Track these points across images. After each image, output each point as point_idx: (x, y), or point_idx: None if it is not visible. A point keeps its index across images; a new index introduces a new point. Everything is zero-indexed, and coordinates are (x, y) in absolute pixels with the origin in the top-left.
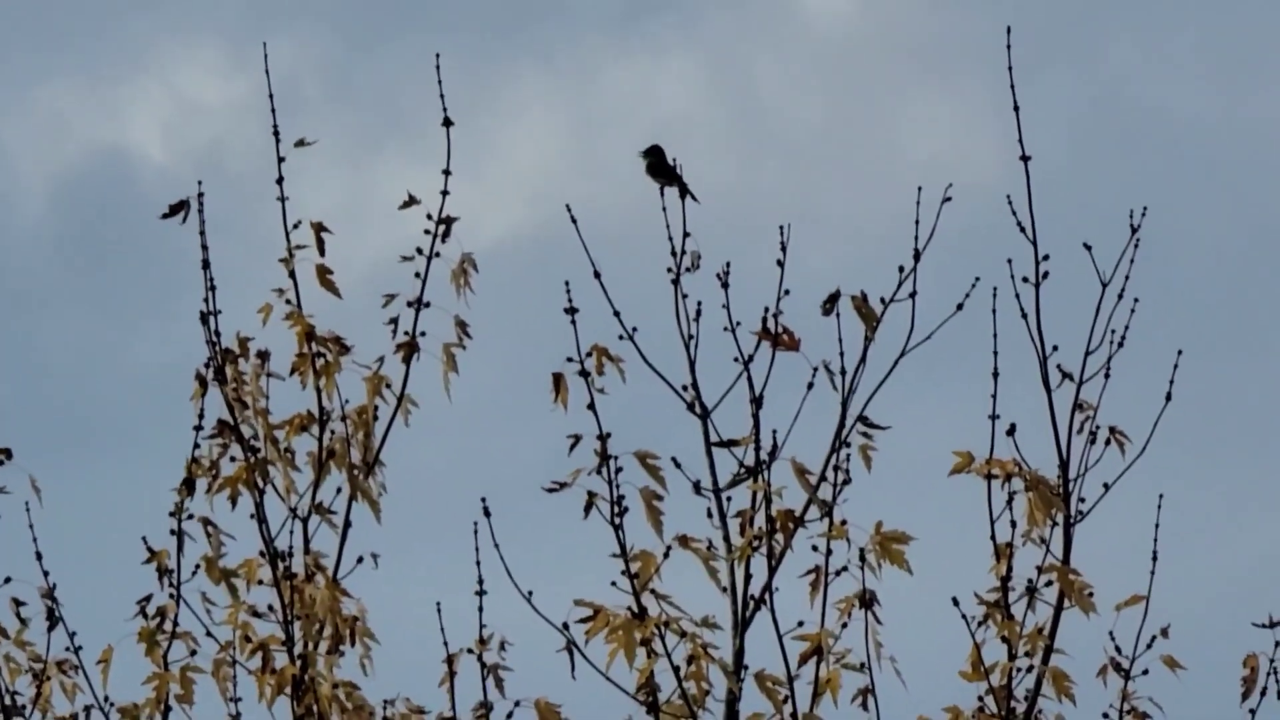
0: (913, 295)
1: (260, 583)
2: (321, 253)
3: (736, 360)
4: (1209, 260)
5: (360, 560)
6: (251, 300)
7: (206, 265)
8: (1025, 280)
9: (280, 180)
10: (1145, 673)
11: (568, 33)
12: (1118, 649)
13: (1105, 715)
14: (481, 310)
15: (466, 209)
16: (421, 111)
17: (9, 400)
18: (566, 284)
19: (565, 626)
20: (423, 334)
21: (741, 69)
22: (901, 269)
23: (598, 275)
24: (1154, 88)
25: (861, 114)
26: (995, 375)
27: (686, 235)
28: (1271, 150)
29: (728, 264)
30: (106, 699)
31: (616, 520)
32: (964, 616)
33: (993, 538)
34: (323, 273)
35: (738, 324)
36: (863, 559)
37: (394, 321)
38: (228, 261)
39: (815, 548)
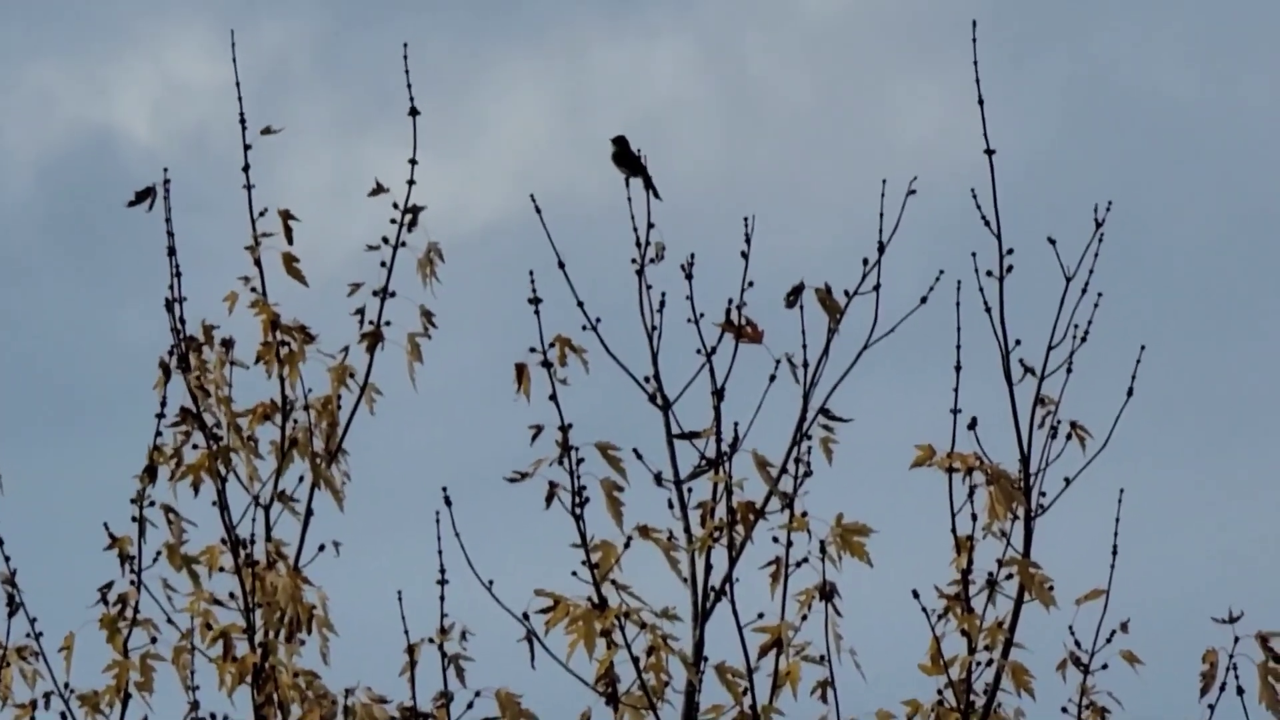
0: (876, 288)
1: (222, 570)
2: (289, 241)
3: (699, 352)
4: (1178, 252)
5: (322, 548)
6: (235, 282)
7: (172, 252)
8: (989, 274)
9: (246, 168)
10: (1105, 667)
11: (559, 12)
12: (1077, 643)
13: (1064, 710)
14: (464, 296)
15: (455, 190)
16: (412, 91)
17: None
18: (531, 274)
19: (525, 617)
20: (388, 323)
21: (733, 50)
22: (865, 261)
23: (562, 266)
24: (1143, 71)
25: (852, 96)
26: (958, 369)
27: (650, 226)
28: (1255, 134)
29: (692, 255)
30: (67, 686)
31: (577, 511)
32: (924, 610)
33: (953, 531)
34: (289, 261)
35: (701, 315)
36: (823, 551)
37: (360, 311)
38: (211, 242)
39: (776, 539)
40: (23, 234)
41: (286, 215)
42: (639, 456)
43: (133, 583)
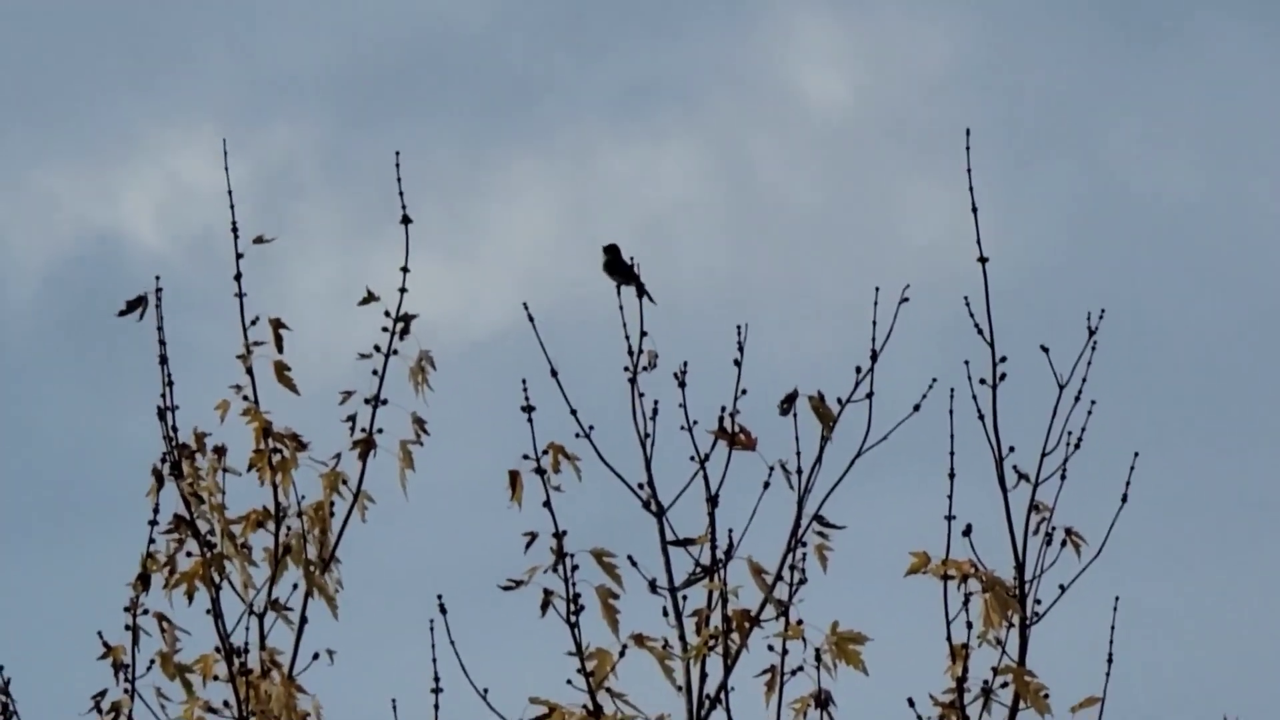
0: (869, 396)
1: (216, 678)
2: (279, 349)
3: (693, 459)
4: (1176, 355)
5: (316, 656)
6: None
7: (164, 360)
8: (982, 381)
9: (238, 277)
10: None
11: (566, 115)
12: None
13: None
14: (468, 401)
15: (460, 294)
16: (417, 195)
17: None
18: (524, 382)
19: None
20: (380, 431)
21: (740, 154)
22: (859, 369)
23: (555, 374)
24: (1149, 173)
25: (859, 200)
26: (952, 476)
27: (644, 334)
28: (1260, 235)
29: (684, 364)
30: None
31: (572, 618)
32: (919, 717)
33: (949, 638)
34: (280, 369)
35: (695, 422)
36: (818, 659)
37: (351, 419)
38: (217, 346)
39: (771, 647)
40: (28, 338)
41: (277, 324)
42: (634, 564)
43: (127, 691)
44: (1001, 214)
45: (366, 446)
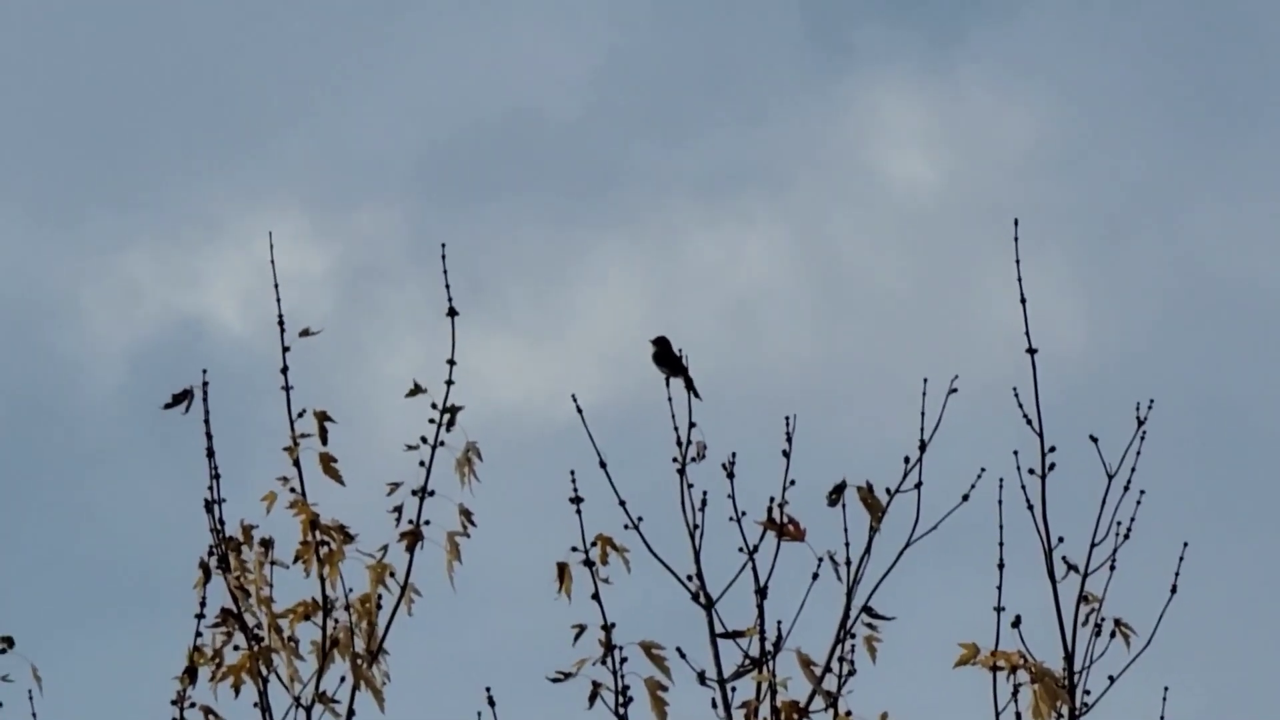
0: (918, 486)
1: None
2: (324, 441)
3: (741, 550)
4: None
5: None
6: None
7: (211, 454)
8: (1031, 471)
9: (285, 370)
10: None
11: (653, 199)
12: None
13: None
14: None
15: (545, 378)
16: (501, 277)
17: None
18: (572, 473)
19: None
20: (427, 522)
21: (826, 237)
22: (907, 460)
23: (603, 465)
24: (1235, 259)
25: (945, 282)
26: (1001, 566)
27: (692, 425)
28: None
29: (733, 454)
30: None
31: (621, 710)
32: None
33: None
34: (326, 461)
35: (743, 514)
36: None
37: (398, 510)
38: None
39: None
40: (111, 424)
41: (323, 416)
42: (682, 655)
43: None
44: (1092, 298)
45: (413, 538)
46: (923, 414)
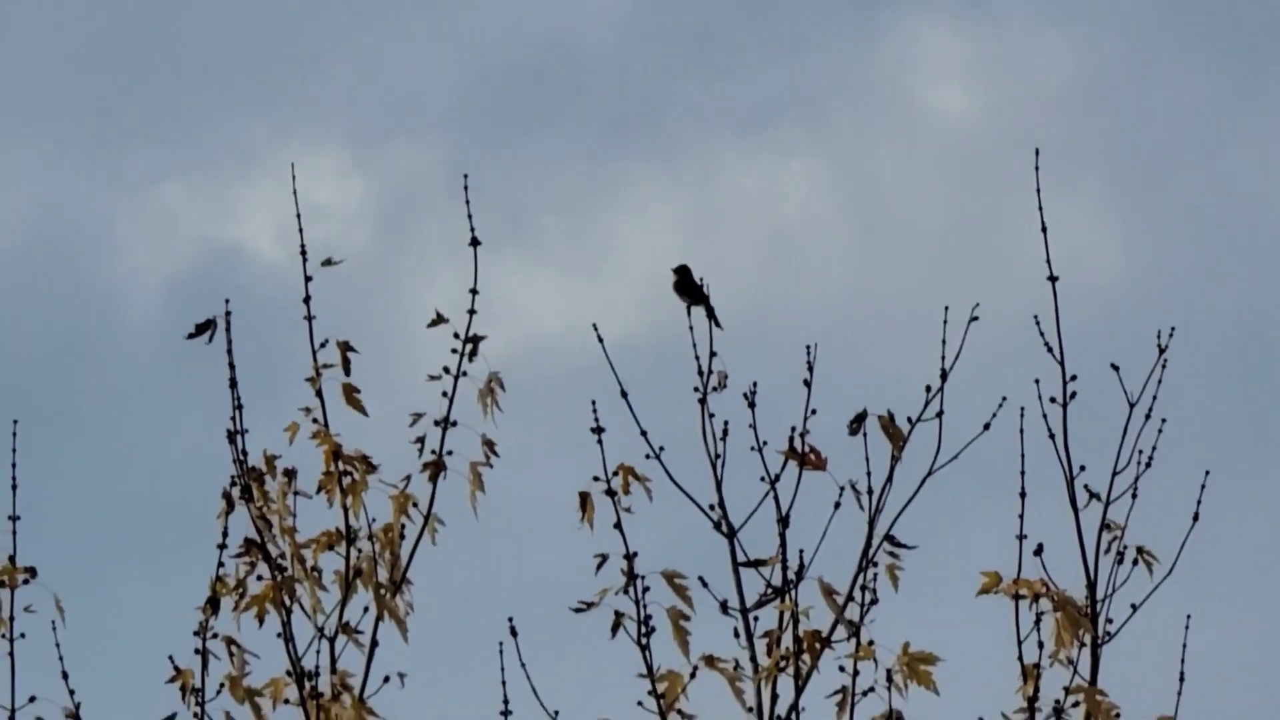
0: (939, 415)
1: (287, 702)
2: (347, 372)
3: (763, 480)
4: (1250, 371)
5: (387, 679)
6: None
7: (234, 384)
8: (1053, 400)
9: (308, 300)
10: None
11: (692, 131)
12: None
13: None
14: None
15: (582, 311)
16: (539, 210)
17: (91, 498)
18: (593, 403)
19: None
20: (450, 453)
21: (865, 169)
22: (929, 389)
23: (625, 395)
24: (1275, 189)
25: (983, 213)
26: (1023, 495)
27: (713, 355)
28: None
29: (754, 384)
30: None
31: (643, 640)
32: None
33: (1020, 658)
34: (349, 391)
35: (765, 444)
36: (889, 679)
37: (421, 440)
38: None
39: (842, 668)
40: (148, 355)
41: (345, 347)
42: (705, 585)
43: (196, 715)
44: (1129, 230)
45: (436, 469)
46: (944, 343)
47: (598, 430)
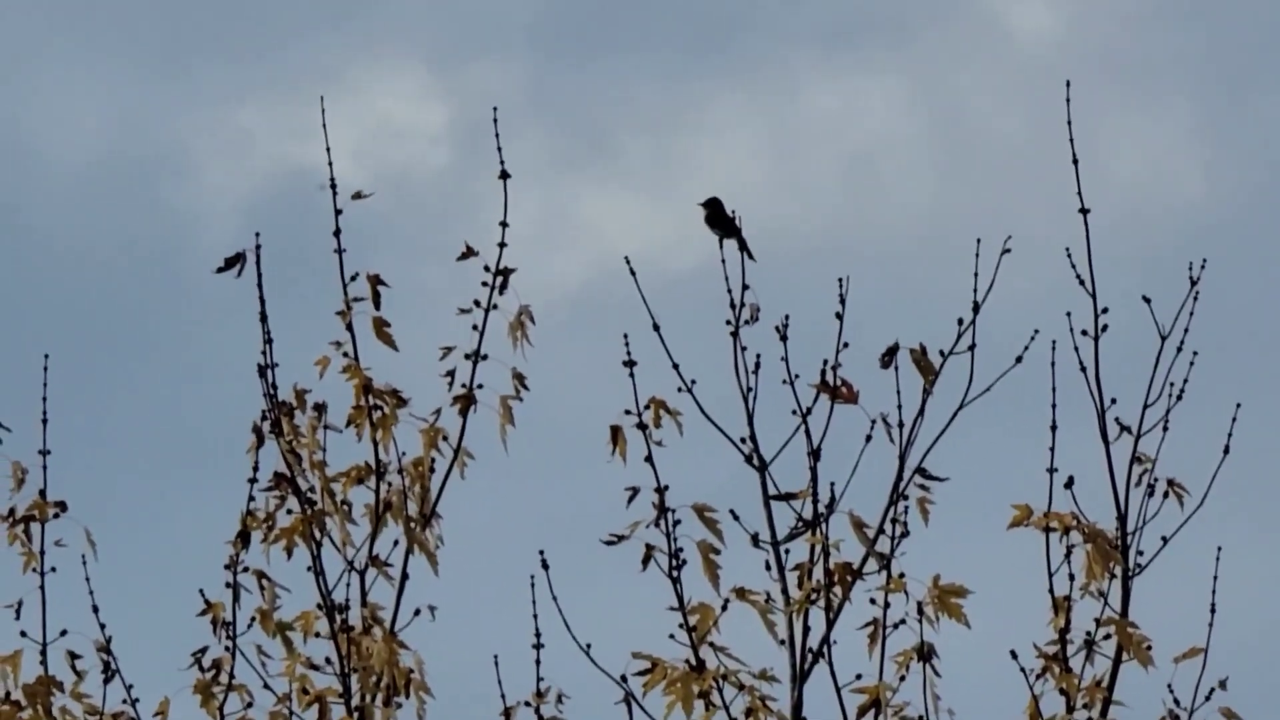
0: (972, 348)
1: (317, 635)
2: (377, 306)
3: (795, 413)
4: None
5: (417, 613)
6: (429, 316)
7: (264, 318)
8: (1084, 333)
9: (337, 232)
10: None
11: (772, 51)
12: (1176, 701)
13: None
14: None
15: (662, 230)
16: (619, 131)
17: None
18: (625, 337)
19: (623, 679)
20: (479, 386)
21: (947, 88)
22: (960, 321)
23: (657, 328)
24: None
25: (1065, 133)
26: (1053, 428)
27: (745, 288)
28: None
29: (786, 317)
30: None
31: (674, 573)
32: (1022, 669)
33: (1051, 591)
34: (379, 325)
35: (796, 376)
36: (920, 612)
37: (450, 374)
38: (409, 279)
39: (873, 601)
40: (224, 279)
41: (375, 280)
42: (736, 518)
43: (227, 648)
44: (1211, 149)
45: (466, 402)
46: (975, 275)
47: (630, 364)
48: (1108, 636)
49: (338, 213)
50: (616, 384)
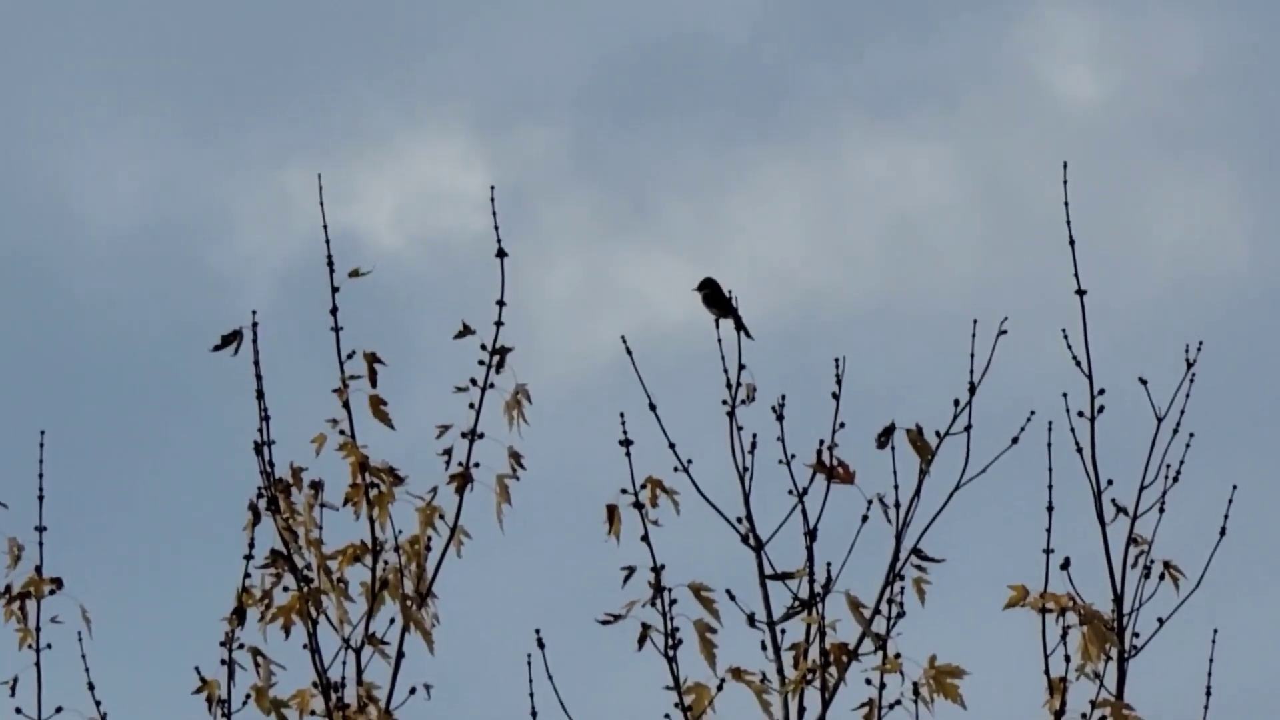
0: (968, 429)
1: (313, 713)
2: (374, 384)
3: (791, 493)
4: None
5: (413, 691)
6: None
7: (260, 395)
8: (1080, 414)
9: (334, 310)
10: None
11: (819, 116)
12: None
13: None
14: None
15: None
16: (664, 195)
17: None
18: (621, 415)
19: None
20: (476, 465)
21: (993, 154)
22: (956, 403)
23: (653, 407)
24: None
25: (1110, 199)
26: (1050, 509)
27: (742, 368)
28: None
29: (783, 397)
30: None
31: (670, 653)
32: None
33: (1046, 672)
34: (376, 403)
35: (793, 456)
36: (916, 693)
37: (447, 452)
38: (444, 344)
39: (869, 681)
40: (263, 339)
41: (372, 358)
42: (732, 598)
43: None
44: (1258, 215)
45: (463, 481)
46: (972, 356)
47: (625, 443)
48: (1103, 718)
49: (334, 290)
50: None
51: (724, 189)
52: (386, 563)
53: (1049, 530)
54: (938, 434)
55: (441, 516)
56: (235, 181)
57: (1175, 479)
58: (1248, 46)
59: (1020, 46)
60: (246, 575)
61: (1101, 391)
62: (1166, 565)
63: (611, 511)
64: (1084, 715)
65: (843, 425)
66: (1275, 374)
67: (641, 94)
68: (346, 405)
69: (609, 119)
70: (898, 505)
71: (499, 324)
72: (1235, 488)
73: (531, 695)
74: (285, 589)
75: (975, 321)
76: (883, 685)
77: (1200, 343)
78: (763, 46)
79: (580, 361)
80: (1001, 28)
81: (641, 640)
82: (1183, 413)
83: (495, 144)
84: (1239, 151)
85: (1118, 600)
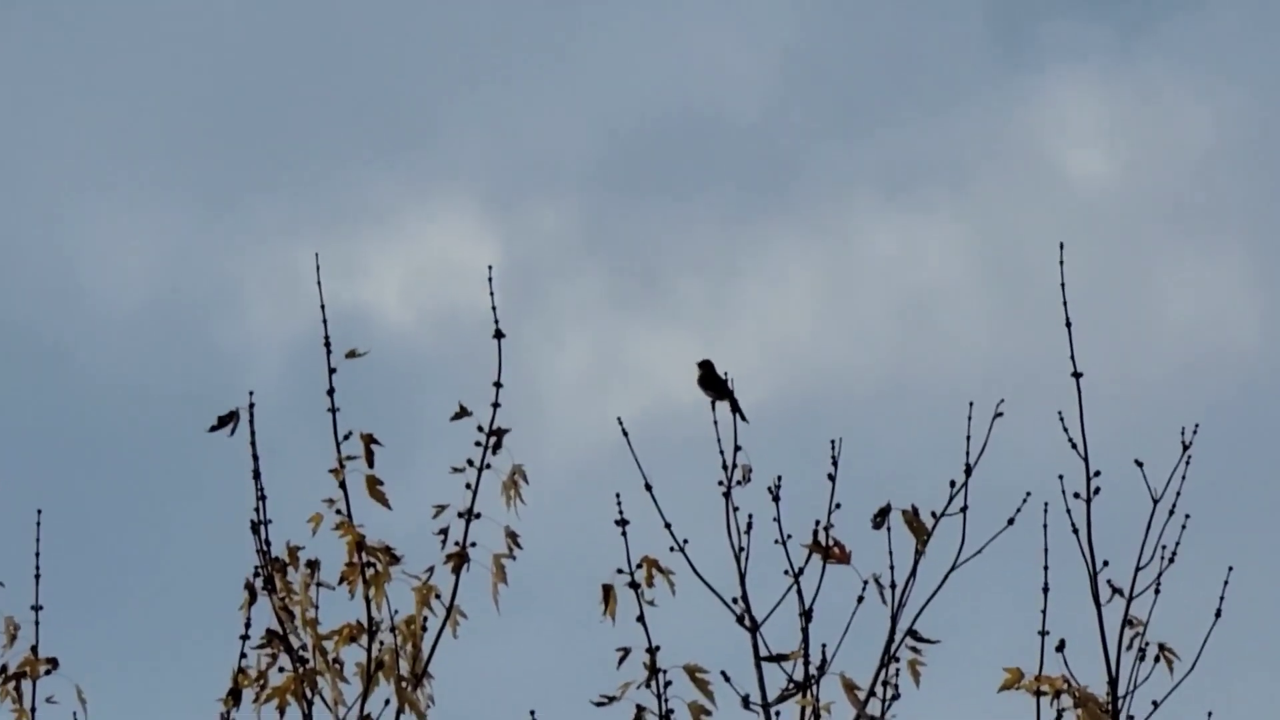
0: (964, 510)
1: None
2: (370, 464)
3: (787, 573)
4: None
5: None
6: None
7: (257, 475)
8: (1076, 495)
9: (331, 391)
10: None
11: (830, 193)
12: None
13: None
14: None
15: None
16: (674, 272)
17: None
18: (617, 496)
19: None
20: (473, 544)
21: (1005, 233)
22: (953, 484)
23: (649, 488)
24: None
25: (1121, 278)
26: (1045, 590)
27: (738, 449)
28: None
29: (778, 479)
30: None
31: None
32: None
33: None
34: (372, 483)
35: (789, 536)
36: None
37: (444, 532)
38: (446, 423)
39: None
40: (271, 415)
41: (369, 439)
42: (727, 679)
43: None
44: (1270, 295)
45: (459, 561)
46: (968, 437)
47: (621, 523)
48: None
49: (331, 371)
50: (678, 520)
51: (735, 266)
52: (382, 643)
53: (1044, 611)
54: (934, 514)
55: (438, 596)
56: (244, 258)
57: (1171, 560)
58: (1259, 125)
59: (1031, 125)
60: (242, 655)
61: (1097, 473)
62: (1162, 647)
63: (607, 591)
64: None
65: (839, 506)
66: (1273, 455)
67: (652, 171)
68: (343, 485)
69: (620, 195)
70: (893, 586)
71: (496, 405)
72: (1231, 569)
73: None
74: (281, 669)
75: (971, 404)
76: None
77: (1196, 425)
78: (774, 124)
79: (587, 439)
80: (1012, 106)
81: None
82: (1179, 494)
83: (506, 220)
84: (1251, 230)
85: (1113, 682)
